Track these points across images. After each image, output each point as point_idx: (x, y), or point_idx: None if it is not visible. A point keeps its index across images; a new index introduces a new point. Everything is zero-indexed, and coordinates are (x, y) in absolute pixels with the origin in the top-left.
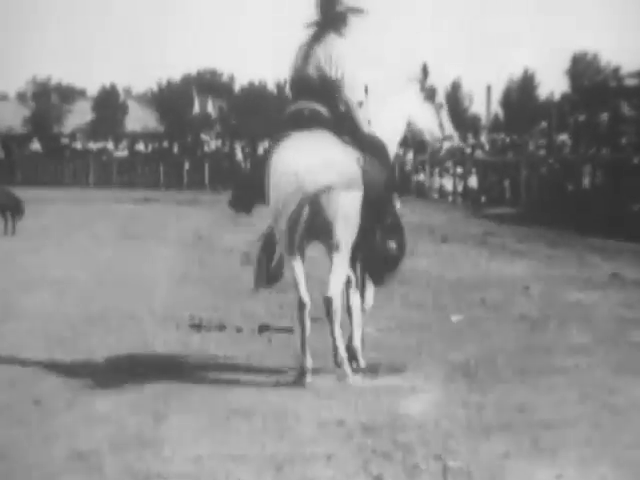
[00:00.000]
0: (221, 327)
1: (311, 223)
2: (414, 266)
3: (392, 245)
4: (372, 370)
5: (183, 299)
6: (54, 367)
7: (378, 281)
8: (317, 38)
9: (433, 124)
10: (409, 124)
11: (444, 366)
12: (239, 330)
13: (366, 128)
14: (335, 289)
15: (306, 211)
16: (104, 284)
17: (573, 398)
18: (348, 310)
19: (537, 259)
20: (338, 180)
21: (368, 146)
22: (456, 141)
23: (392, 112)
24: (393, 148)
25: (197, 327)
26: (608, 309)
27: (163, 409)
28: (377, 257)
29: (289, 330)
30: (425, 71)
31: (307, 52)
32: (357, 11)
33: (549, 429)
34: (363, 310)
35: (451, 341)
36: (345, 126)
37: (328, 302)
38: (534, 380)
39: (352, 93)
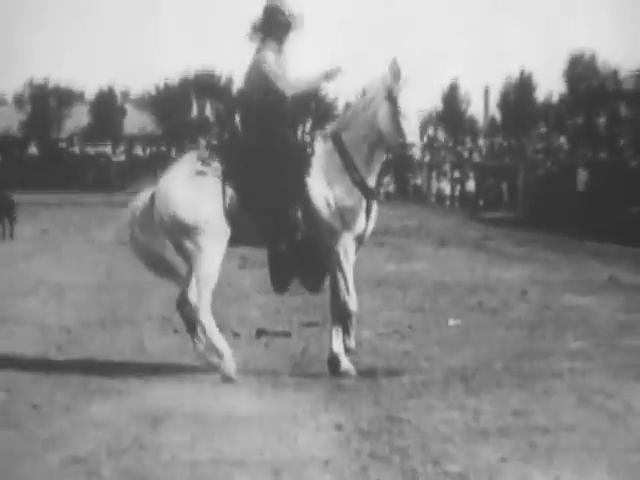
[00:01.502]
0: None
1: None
2: (412, 270)
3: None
4: (370, 374)
5: None
6: (52, 371)
7: (277, 289)
8: (258, 50)
9: (395, 130)
10: (375, 127)
11: (441, 370)
12: (236, 334)
13: (282, 129)
14: (191, 291)
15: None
16: (102, 288)
17: (570, 402)
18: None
19: (534, 263)
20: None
21: (268, 150)
22: (416, 153)
23: (366, 115)
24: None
25: None
26: (606, 313)
27: (161, 414)
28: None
29: (286, 334)
30: (396, 72)
31: (250, 63)
32: (297, 22)
33: (546, 433)
34: (348, 316)
35: (449, 345)
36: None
37: (183, 301)
38: (531, 384)
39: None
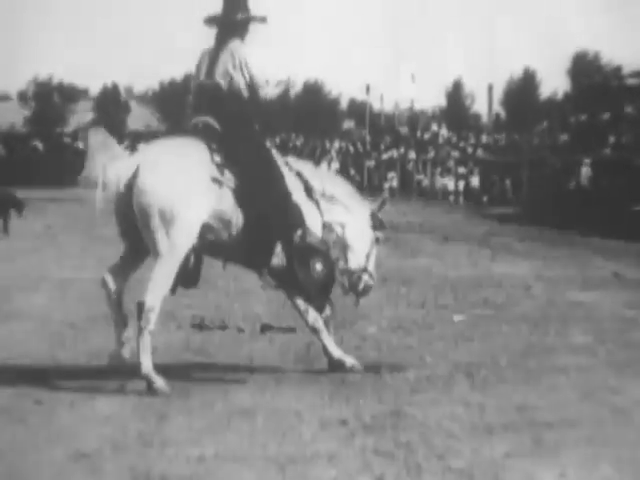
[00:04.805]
0: (223, 327)
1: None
2: (416, 266)
3: (317, 268)
4: (374, 370)
5: (185, 299)
6: (56, 368)
7: (319, 307)
8: (221, 43)
9: (362, 252)
10: (342, 231)
11: (446, 366)
12: (241, 330)
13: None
14: (150, 295)
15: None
16: None
17: (575, 398)
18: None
19: (539, 259)
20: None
21: (255, 160)
22: (370, 280)
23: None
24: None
25: (199, 327)
26: (609, 309)
27: (165, 409)
28: (306, 284)
29: (291, 330)
30: (383, 203)
31: (212, 59)
32: (259, 20)
33: (551, 429)
34: (326, 323)
35: (453, 341)
36: (237, 136)
37: (139, 307)
38: (536, 380)
39: (258, 94)
